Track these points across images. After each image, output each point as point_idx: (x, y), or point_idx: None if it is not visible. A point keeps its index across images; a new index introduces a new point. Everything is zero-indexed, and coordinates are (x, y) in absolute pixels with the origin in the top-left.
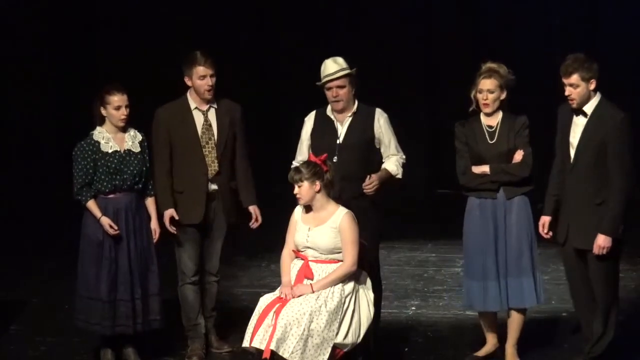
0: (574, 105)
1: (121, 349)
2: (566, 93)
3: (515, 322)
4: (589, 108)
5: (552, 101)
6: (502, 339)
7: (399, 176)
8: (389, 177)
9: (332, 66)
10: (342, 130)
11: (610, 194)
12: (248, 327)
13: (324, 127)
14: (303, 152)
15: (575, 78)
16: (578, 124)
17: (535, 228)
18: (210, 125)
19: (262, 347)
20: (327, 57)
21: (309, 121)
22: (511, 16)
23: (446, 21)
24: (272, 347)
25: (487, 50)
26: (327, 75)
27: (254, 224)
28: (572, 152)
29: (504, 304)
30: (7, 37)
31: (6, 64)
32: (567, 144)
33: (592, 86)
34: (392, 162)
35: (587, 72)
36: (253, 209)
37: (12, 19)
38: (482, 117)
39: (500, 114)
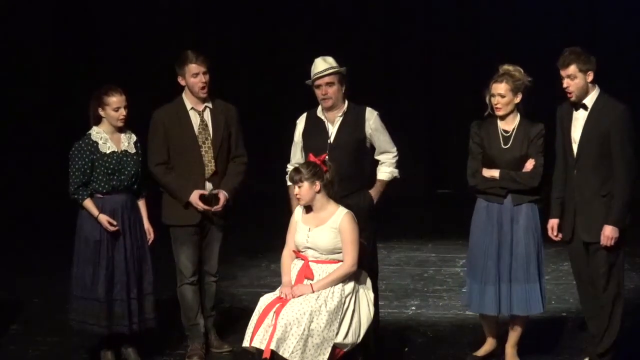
0: (573, 98)
1: (121, 349)
2: (564, 85)
3: (516, 325)
4: (589, 101)
5: (551, 103)
6: (502, 338)
7: (396, 176)
8: (387, 185)
9: (322, 64)
10: (332, 130)
11: (615, 185)
12: (248, 327)
13: (315, 128)
14: (297, 154)
15: (572, 69)
16: (579, 118)
17: (542, 235)
18: (206, 125)
19: (262, 347)
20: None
21: (300, 123)
22: (511, 16)
23: (447, 21)
24: (272, 347)
25: (487, 50)
26: (316, 74)
27: (216, 208)
28: (575, 147)
29: (504, 309)
30: (8, 36)
31: (6, 63)
32: (569, 140)
33: (590, 78)
34: (385, 169)
35: (585, 64)
36: (222, 195)
37: (12, 18)
38: (499, 121)
39: (517, 119)
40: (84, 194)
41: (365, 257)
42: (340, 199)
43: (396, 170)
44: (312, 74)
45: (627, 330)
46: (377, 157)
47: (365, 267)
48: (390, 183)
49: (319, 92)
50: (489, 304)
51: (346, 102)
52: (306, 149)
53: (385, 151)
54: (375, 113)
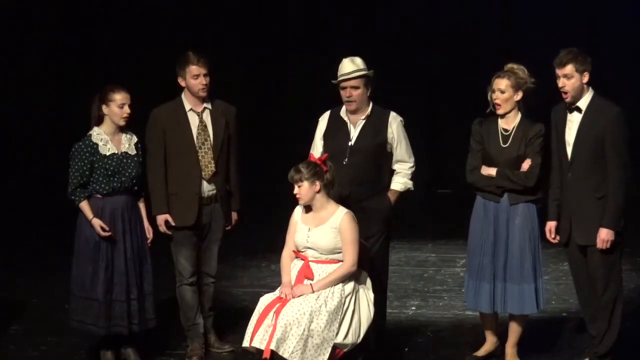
0: (568, 99)
1: (120, 349)
2: (560, 85)
3: (515, 325)
4: (583, 104)
5: (549, 104)
6: (502, 338)
7: (410, 188)
8: (399, 195)
9: (349, 66)
10: (354, 133)
11: (609, 187)
12: (248, 327)
13: (336, 129)
14: (318, 152)
15: (569, 68)
16: (573, 121)
17: (540, 235)
18: (205, 127)
19: (262, 347)
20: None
21: (323, 121)
22: (511, 15)
23: (447, 21)
24: (272, 347)
25: (487, 50)
26: (342, 75)
27: (229, 227)
28: (569, 150)
29: (498, 307)
30: (8, 36)
31: (7, 63)
32: (563, 142)
33: (586, 79)
34: (400, 180)
35: (581, 64)
36: (235, 215)
37: (13, 18)
38: (499, 119)
39: (517, 118)
40: (81, 195)
41: (367, 257)
42: (358, 202)
43: (410, 182)
44: (338, 74)
45: (627, 330)
46: (393, 167)
47: (366, 267)
48: (403, 194)
49: (343, 93)
50: (483, 302)
51: (371, 104)
52: (326, 149)
53: (402, 161)
54: (399, 119)
